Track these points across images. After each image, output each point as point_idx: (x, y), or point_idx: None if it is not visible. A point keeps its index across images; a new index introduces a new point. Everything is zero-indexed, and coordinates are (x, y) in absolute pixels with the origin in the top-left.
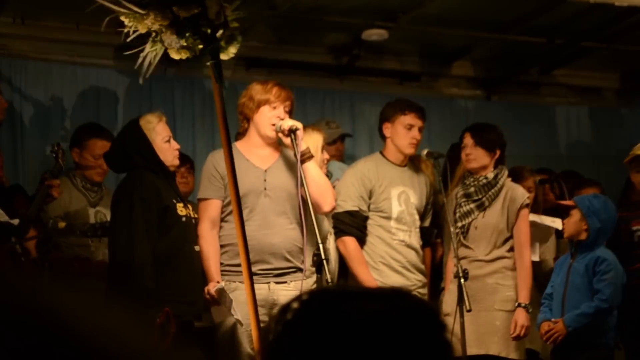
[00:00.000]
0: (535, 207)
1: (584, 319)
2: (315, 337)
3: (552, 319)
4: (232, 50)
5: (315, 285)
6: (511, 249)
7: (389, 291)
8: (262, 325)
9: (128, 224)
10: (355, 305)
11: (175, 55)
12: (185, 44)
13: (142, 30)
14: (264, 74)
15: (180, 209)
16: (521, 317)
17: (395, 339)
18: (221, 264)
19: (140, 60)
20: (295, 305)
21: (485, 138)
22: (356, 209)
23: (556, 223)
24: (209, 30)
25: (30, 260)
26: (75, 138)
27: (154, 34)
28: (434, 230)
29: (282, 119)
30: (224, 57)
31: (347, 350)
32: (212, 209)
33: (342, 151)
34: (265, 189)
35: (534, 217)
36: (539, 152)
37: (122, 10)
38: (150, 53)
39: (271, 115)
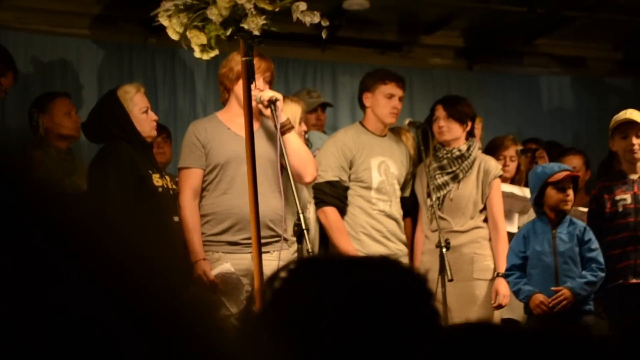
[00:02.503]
0: (519, 177)
1: (590, 287)
2: (303, 305)
3: (553, 288)
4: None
5: (296, 255)
6: (486, 220)
7: (377, 259)
8: (246, 294)
9: (103, 195)
10: (343, 272)
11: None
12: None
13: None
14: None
15: (157, 180)
16: (502, 286)
17: (383, 306)
18: (202, 234)
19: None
20: (283, 274)
21: (457, 110)
22: (337, 179)
23: None
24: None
25: None
26: (40, 105)
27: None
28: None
29: (260, 90)
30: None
31: (335, 317)
32: (193, 178)
33: (323, 121)
34: None
35: (514, 189)
36: (520, 121)
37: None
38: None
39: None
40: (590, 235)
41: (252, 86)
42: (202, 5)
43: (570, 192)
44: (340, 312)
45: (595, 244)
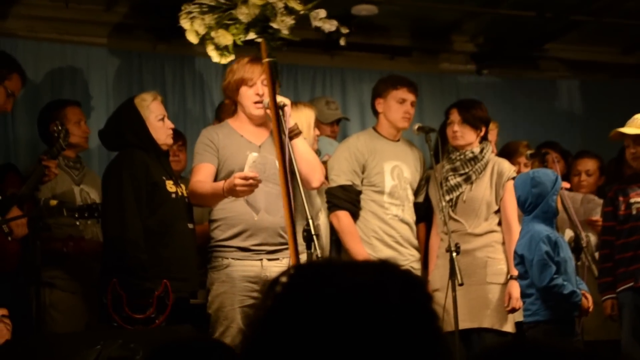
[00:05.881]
0: None
1: None
2: (304, 309)
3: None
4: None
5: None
6: (500, 223)
7: (375, 263)
8: (254, 302)
9: (118, 201)
10: (342, 276)
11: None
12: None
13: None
14: (254, 51)
15: (170, 186)
16: (515, 289)
17: (380, 309)
18: (212, 238)
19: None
20: (283, 279)
21: (472, 115)
22: (349, 183)
23: None
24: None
25: (17, 239)
26: (51, 112)
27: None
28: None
29: (259, 95)
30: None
31: (335, 322)
32: (205, 170)
33: (336, 132)
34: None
35: None
36: (530, 125)
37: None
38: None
39: (250, 93)
40: None
41: (253, 92)
42: (229, 5)
43: None
44: (337, 316)
45: None
